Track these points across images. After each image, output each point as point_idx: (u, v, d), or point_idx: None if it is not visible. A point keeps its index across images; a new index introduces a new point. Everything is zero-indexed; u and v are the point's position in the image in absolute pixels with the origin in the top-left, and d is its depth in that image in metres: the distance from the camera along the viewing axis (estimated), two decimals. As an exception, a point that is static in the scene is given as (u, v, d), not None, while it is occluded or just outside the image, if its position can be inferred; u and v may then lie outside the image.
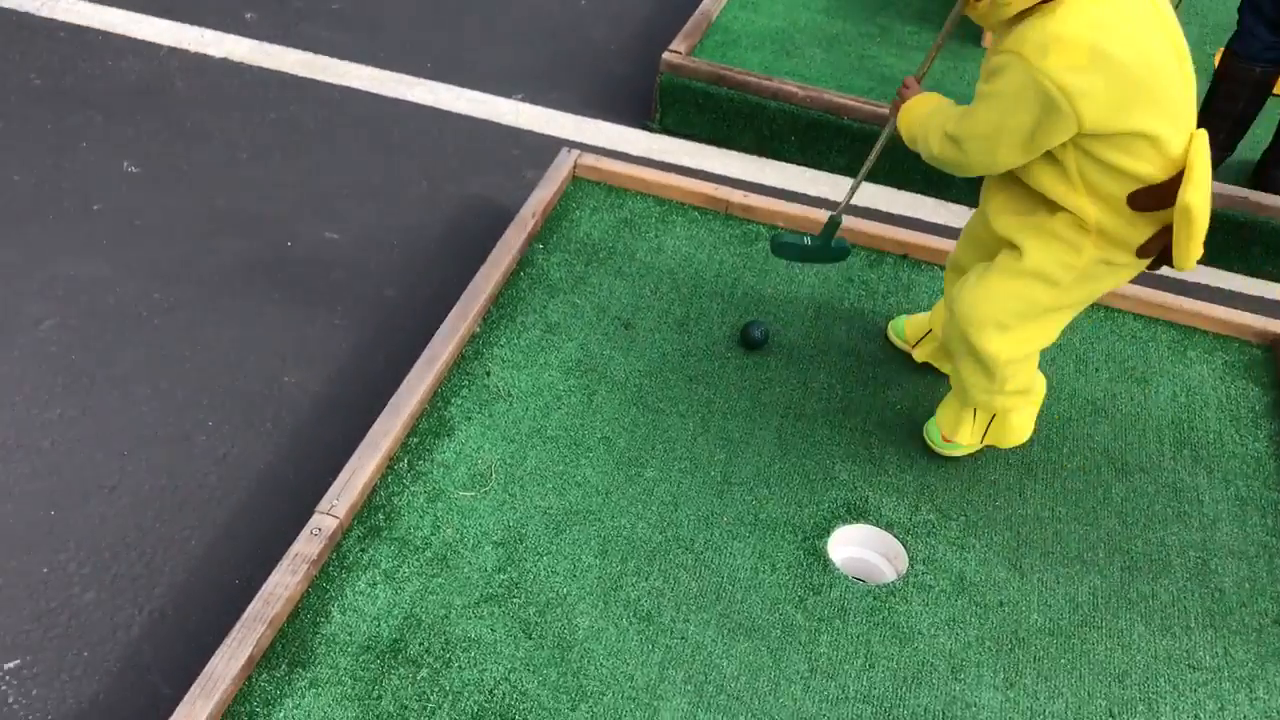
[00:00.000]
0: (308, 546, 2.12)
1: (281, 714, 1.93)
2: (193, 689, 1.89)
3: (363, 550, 2.19)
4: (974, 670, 2.14)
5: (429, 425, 2.44)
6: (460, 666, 2.03)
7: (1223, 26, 4.02)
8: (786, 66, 3.75)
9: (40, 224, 3.06)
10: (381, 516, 2.25)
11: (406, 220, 3.24)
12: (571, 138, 3.65)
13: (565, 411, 2.52)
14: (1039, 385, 2.42)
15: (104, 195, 3.19)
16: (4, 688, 2.08)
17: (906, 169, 3.52)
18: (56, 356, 2.70)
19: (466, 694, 1.99)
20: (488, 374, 2.58)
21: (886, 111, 3.41)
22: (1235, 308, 3.05)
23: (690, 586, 2.21)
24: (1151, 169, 1.96)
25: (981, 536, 2.38)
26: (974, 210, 2.58)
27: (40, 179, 3.21)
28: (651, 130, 3.74)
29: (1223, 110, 3.49)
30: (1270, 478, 2.59)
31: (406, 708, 1.96)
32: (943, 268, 2.94)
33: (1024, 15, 1.93)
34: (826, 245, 2.66)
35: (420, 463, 2.36)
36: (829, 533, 2.34)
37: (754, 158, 3.68)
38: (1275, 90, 3.64)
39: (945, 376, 2.69)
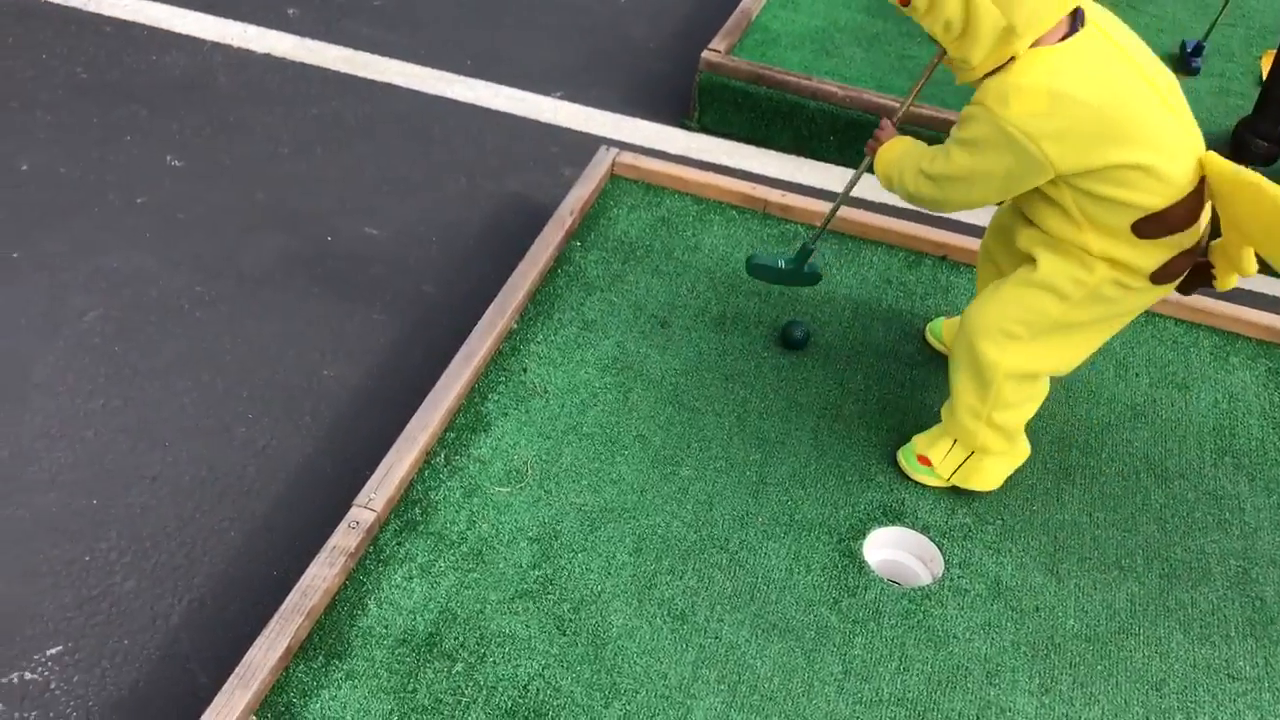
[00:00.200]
0: (345, 539, 2.14)
1: (318, 705, 1.95)
2: (231, 679, 1.91)
3: (399, 544, 2.21)
4: (1009, 675, 2.13)
5: (466, 421, 2.45)
6: (495, 661, 2.04)
7: (1270, 29, 3.96)
8: (826, 66, 3.73)
9: (85, 216, 3.11)
10: (418, 511, 2.27)
11: (445, 216, 3.26)
12: (610, 136, 3.66)
13: (601, 409, 2.52)
14: (1023, 444, 2.40)
15: (148, 189, 3.23)
16: (46, 674, 2.12)
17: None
18: (100, 348, 2.74)
19: (501, 689, 2.00)
20: (524, 370, 2.59)
21: (925, 112, 3.41)
22: (1279, 313, 3.01)
23: (725, 586, 2.21)
24: (1152, 197, 1.97)
25: (1018, 541, 2.37)
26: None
27: (85, 172, 3.26)
28: (690, 129, 3.74)
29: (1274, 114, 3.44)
30: (1313, 486, 2.55)
31: (441, 701, 1.97)
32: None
33: (992, 73, 2.02)
34: (799, 270, 2.66)
35: (457, 458, 2.38)
36: (864, 535, 2.33)
37: (792, 157, 3.67)
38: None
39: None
